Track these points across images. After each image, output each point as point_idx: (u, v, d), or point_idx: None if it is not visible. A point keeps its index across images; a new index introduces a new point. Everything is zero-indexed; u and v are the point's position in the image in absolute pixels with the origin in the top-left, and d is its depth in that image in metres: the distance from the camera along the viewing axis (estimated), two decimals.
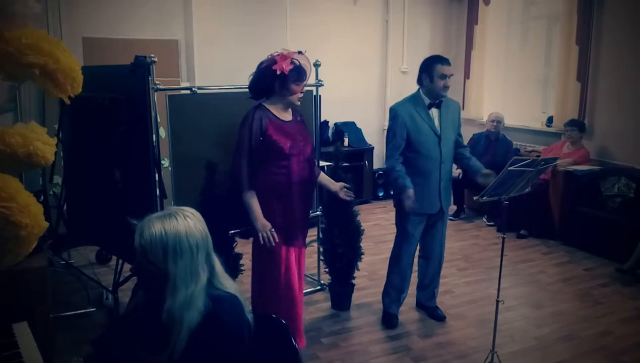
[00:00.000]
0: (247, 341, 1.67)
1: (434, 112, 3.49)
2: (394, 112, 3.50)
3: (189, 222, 1.59)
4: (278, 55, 3.01)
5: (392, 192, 3.73)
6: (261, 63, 3.07)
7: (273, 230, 3.02)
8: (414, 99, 3.53)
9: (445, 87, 3.43)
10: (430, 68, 3.43)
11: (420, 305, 3.94)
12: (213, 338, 1.59)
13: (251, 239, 3.23)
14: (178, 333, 1.56)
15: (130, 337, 1.71)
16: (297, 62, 3.00)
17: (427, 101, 3.48)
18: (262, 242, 3.02)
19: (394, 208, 3.69)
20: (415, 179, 3.45)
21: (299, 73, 3.00)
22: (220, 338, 1.59)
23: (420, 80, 3.50)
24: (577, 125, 5.64)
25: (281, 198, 3.08)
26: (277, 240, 3.03)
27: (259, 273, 3.24)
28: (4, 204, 0.84)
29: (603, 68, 5.77)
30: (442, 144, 3.47)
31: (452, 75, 3.44)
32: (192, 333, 1.57)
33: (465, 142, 6.37)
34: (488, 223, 6.16)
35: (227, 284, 1.70)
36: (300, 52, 3.07)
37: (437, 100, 3.48)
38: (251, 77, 3.10)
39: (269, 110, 3.04)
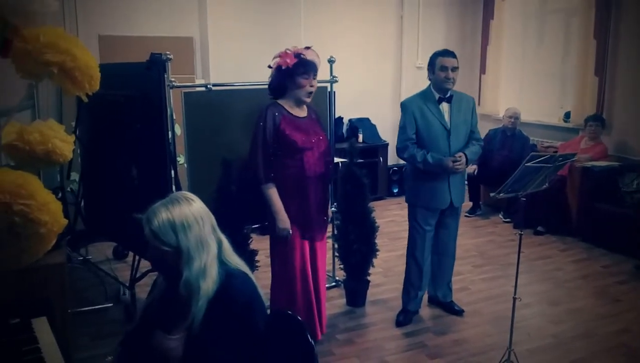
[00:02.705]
0: (259, 316, 1.75)
1: (444, 106, 3.50)
2: (404, 107, 3.54)
3: (191, 203, 1.73)
4: (282, 52, 3.07)
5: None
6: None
7: (290, 230, 3.08)
8: (424, 94, 3.56)
9: (447, 79, 3.42)
10: (432, 61, 3.49)
11: (435, 302, 3.92)
12: (227, 310, 1.68)
13: (268, 235, 3.25)
14: (196, 302, 1.66)
15: (149, 327, 1.76)
16: (303, 56, 3.03)
17: (436, 96, 3.49)
18: (280, 235, 3.09)
19: (406, 203, 3.70)
20: (424, 174, 3.48)
21: (304, 66, 3.03)
22: (234, 310, 1.69)
23: (428, 76, 3.55)
24: (600, 121, 5.57)
25: (296, 191, 3.12)
26: (290, 234, 3.09)
27: (277, 267, 3.26)
28: (24, 202, 0.84)
29: (621, 62, 5.68)
30: (452, 138, 3.47)
31: (455, 67, 3.44)
32: (209, 304, 1.66)
33: (481, 137, 6.40)
34: (504, 219, 6.10)
35: (236, 260, 1.81)
36: (307, 47, 3.11)
37: (445, 94, 3.49)
38: (269, 79, 3.18)
39: (283, 107, 3.09)
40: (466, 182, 6.46)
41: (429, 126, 3.47)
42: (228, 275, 1.74)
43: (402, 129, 3.52)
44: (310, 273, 3.23)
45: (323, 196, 3.28)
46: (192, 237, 1.67)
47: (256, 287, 1.78)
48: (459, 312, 3.81)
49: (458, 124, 3.50)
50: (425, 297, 3.92)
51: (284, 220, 3.07)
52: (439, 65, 3.43)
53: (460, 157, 3.41)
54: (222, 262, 1.76)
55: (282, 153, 3.08)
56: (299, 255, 3.18)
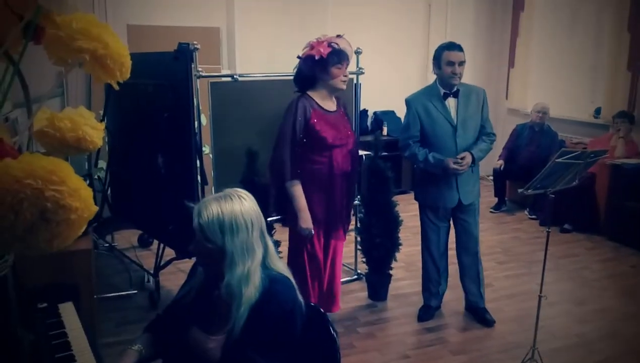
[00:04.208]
0: (300, 322, 1.73)
1: (450, 102, 3.39)
2: (407, 104, 3.47)
3: (243, 202, 1.69)
4: (314, 41, 2.98)
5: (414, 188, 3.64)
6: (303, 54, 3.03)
7: (312, 229, 3.00)
8: (429, 89, 3.47)
9: (454, 74, 3.30)
10: (437, 55, 3.37)
11: (470, 309, 3.74)
12: (270, 316, 1.66)
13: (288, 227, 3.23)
14: (238, 308, 1.64)
15: (185, 320, 1.77)
16: (336, 45, 2.95)
17: (442, 91, 3.39)
18: (302, 234, 3.00)
19: (416, 201, 3.65)
20: (429, 173, 3.41)
21: (338, 55, 2.94)
22: (276, 316, 1.67)
23: (433, 70, 3.45)
24: (628, 117, 5.44)
25: (322, 189, 3.04)
26: (313, 234, 3.02)
27: (292, 261, 3.21)
28: (55, 188, 0.85)
29: None
30: (459, 135, 3.36)
31: (462, 61, 3.32)
32: (251, 309, 1.64)
33: (508, 133, 6.31)
34: (530, 216, 6.01)
35: (280, 265, 1.78)
36: (339, 36, 3.03)
37: (450, 89, 3.38)
38: (294, 70, 3.08)
39: (314, 100, 3.00)
40: (491, 177, 6.39)
41: (433, 123, 3.37)
42: (271, 280, 1.70)
43: (405, 126, 3.47)
44: (322, 272, 3.18)
45: (348, 195, 3.20)
46: (238, 242, 1.64)
47: (297, 292, 1.76)
48: (490, 322, 3.59)
49: (465, 119, 3.38)
50: (455, 297, 3.85)
51: (306, 220, 2.98)
52: (445, 59, 3.30)
53: (462, 158, 3.29)
54: (265, 266, 1.73)
55: (310, 149, 2.99)
56: (319, 255, 3.12)
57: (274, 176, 3.05)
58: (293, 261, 3.21)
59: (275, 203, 3.22)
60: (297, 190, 2.96)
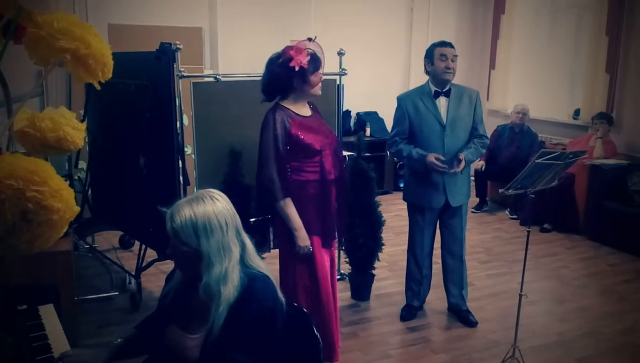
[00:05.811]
0: (280, 320, 1.73)
1: (441, 101, 3.40)
2: (397, 101, 3.50)
3: (216, 202, 1.67)
4: (291, 49, 2.78)
5: (401, 184, 3.68)
6: (272, 60, 2.82)
7: (310, 246, 2.85)
8: (421, 88, 3.50)
9: (447, 68, 3.32)
10: (430, 52, 3.41)
11: (452, 310, 3.77)
12: (250, 314, 1.65)
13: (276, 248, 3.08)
14: (217, 307, 1.63)
15: (165, 320, 1.76)
16: (312, 52, 2.82)
17: (433, 89, 3.41)
18: (300, 253, 2.84)
19: (405, 201, 3.66)
20: (417, 171, 3.42)
21: (315, 63, 2.80)
22: (256, 315, 1.66)
23: (425, 69, 3.47)
24: (606, 119, 5.53)
25: (317, 198, 2.87)
26: (311, 250, 2.86)
27: (289, 278, 2.96)
28: (37, 188, 0.84)
29: (633, 60, 5.63)
30: (447, 134, 3.36)
31: (455, 55, 3.35)
32: (230, 308, 1.63)
33: (489, 134, 6.34)
34: (511, 216, 6.08)
35: (259, 263, 1.77)
36: (310, 39, 2.88)
37: (443, 87, 3.39)
38: (263, 77, 2.85)
39: (289, 109, 2.81)
40: (472, 178, 6.45)
41: (421, 121, 3.38)
42: (250, 279, 1.69)
43: (394, 124, 3.51)
44: (329, 286, 2.99)
45: (343, 198, 3.05)
46: (214, 242, 1.63)
47: (277, 291, 1.75)
48: (473, 323, 3.61)
49: (455, 119, 3.37)
50: (438, 297, 3.88)
51: (304, 238, 2.80)
52: (438, 54, 3.34)
53: (460, 161, 3.28)
54: (244, 265, 1.72)
55: (299, 159, 2.80)
56: (318, 270, 2.92)
57: (264, 198, 2.84)
58: (288, 276, 2.97)
59: (260, 203, 3.12)
60: (291, 210, 2.78)
